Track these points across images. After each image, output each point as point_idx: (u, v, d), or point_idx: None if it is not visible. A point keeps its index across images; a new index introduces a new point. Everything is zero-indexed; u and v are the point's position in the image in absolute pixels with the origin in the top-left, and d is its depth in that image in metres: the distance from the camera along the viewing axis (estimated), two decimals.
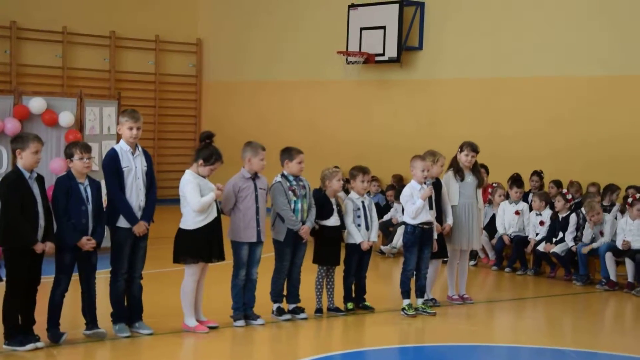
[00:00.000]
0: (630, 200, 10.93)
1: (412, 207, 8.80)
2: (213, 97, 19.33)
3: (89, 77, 18.00)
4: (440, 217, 9.25)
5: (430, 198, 8.89)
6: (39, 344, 7.14)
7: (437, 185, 9.21)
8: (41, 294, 7.32)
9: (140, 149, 7.83)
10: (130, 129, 7.70)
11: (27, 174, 7.13)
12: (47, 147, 11.04)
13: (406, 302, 8.90)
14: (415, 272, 8.96)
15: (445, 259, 9.65)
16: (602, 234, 11.01)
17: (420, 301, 8.99)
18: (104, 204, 7.68)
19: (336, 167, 9.08)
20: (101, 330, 7.53)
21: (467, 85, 14.80)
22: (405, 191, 8.96)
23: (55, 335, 7.36)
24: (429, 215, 8.88)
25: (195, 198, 7.75)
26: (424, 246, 8.91)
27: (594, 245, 10.94)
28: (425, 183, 8.87)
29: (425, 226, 8.86)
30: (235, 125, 17.78)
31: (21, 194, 7.05)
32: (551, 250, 11.38)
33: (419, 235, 8.85)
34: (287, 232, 8.38)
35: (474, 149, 9.50)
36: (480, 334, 8.49)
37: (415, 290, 8.98)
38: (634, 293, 10.35)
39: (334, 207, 8.77)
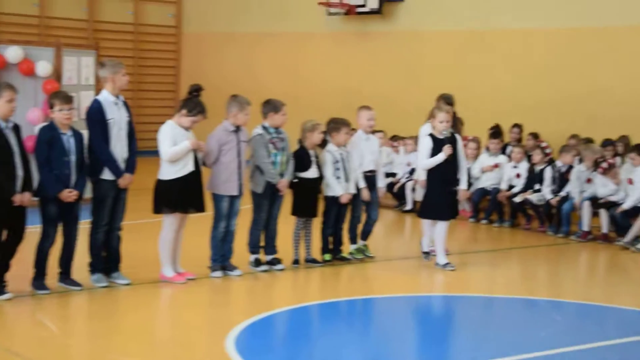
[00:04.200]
0: (605, 165, 10.97)
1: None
2: (192, 48, 19.17)
3: (66, 26, 17.80)
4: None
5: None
6: (4, 296, 7.08)
7: (452, 140, 8.86)
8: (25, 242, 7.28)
9: (121, 99, 7.80)
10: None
11: (2, 124, 7.04)
12: (25, 97, 10.86)
13: (353, 246, 9.24)
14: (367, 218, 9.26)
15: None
16: (589, 181, 11.03)
17: (355, 246, 9.25)
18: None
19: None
20: (75, 284, 7.53)
21: (448, 37, 14.75)
22: (354, 140, 9.08)
23: (39, 287, 7.38)
24: (372, 165, 9.10)
25: (165, 148, 7.76)
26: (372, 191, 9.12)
27: (585, 195, 10.91)
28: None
29: (368, 174, 9.07)
30: (216, 77, 17.64)
31: None
32: (526, 197, 11.46)
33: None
34: (266, 185, 8.42)
35: (448, 101, 9.41)
36: (455, 285, 8.61)
37: (362, 233, 9.25)
38: (633, 249, 10.20)
39: (312, 158, 8.81)
